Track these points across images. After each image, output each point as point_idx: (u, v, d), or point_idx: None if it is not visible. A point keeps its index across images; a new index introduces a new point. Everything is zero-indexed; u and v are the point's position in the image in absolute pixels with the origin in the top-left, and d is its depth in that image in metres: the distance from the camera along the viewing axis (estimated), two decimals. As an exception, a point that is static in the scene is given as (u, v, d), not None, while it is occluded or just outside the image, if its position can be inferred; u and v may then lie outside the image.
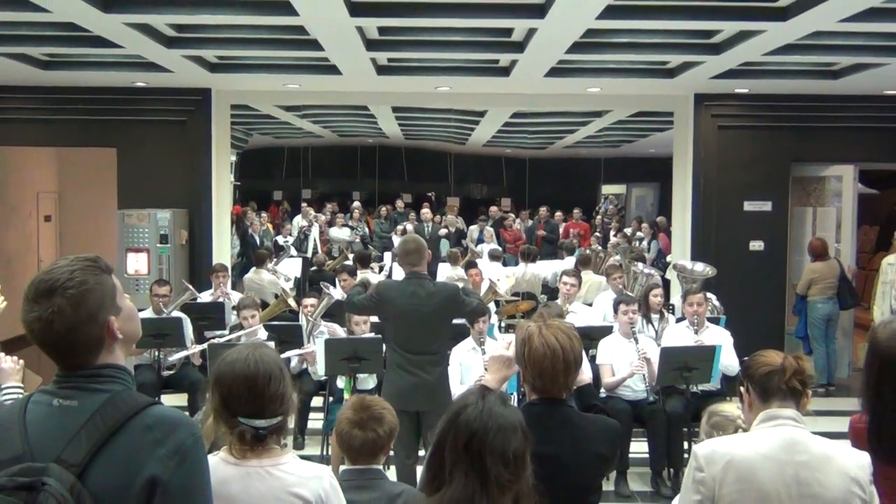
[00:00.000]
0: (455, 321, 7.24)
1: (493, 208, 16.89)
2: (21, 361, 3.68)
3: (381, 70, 9.02)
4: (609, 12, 6.46)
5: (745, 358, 2.83)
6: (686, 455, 6.49)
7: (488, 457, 2.08)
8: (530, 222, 17.55)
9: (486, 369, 3.94)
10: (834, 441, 2.64)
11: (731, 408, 3.52)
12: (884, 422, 2.20)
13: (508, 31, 7.69)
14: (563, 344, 2.82)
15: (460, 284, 6.97)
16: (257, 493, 2.37)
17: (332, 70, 8.97)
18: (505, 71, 9.02)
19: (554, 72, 8.90)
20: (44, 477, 1.82)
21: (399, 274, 13.01)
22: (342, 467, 3.00)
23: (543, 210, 17.60)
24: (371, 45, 7.85)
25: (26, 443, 1.91)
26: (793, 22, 6.57)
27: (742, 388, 2.79)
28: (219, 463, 2.40)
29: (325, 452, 7.11)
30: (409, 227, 16.39)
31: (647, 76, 9.31)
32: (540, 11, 6.53)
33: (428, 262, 6.16)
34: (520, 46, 7.84)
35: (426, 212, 16.42)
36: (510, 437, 2.13)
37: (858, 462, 2.54)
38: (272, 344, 6.94)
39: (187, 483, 1.90)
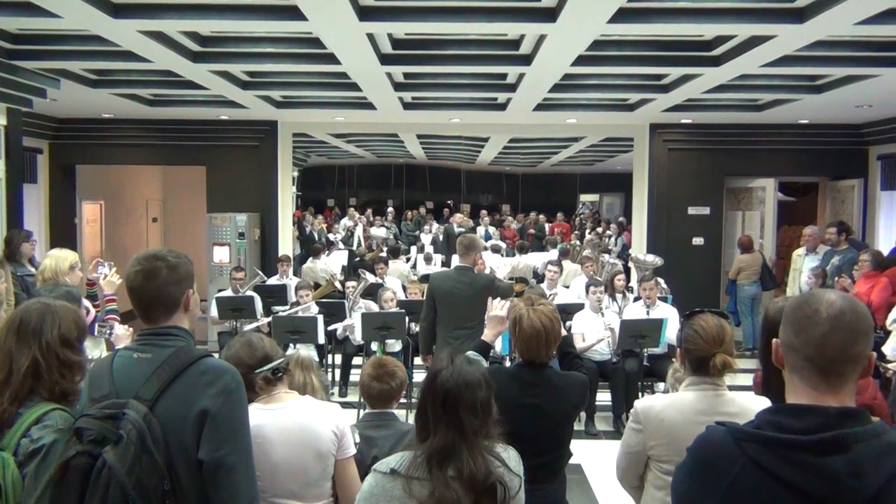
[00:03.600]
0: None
1: (458, 215, 16.61)
2: (131, 329, 3.70)
3: (407, 106, 9.00)
4: (581, 61, 6.42)
5: (689, 318, 2.63)
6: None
7: (461, 410, 2.07)
8: (529, 218, 17.51)
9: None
10: (748, 396, 2.61)
11: None
12: (770, 376, 2.21)
13: (503, 76, 7.66)
14: (546, 326, 2.82)
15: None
16: (283, 426, 2.43)
17: (369, 106, 8.97)
18: (502, 106, 8.98)
19: (540, 107, 8.86)
20: (124, 409, 1.88)
21: (421, 264, 13.07)
22: (364, 411, 3.02)
23: (533, 214, 17.56)
24: (398, 87, 7.84)
25: (112, 384, 1.98)
26: (724, 67, 6.51)
27: (679, 349, 2.68)
28: (255, 410, 2.44)
29: (361, 399, 7.13)
30: (436, 226, 16.37)
31: (612, 110, 9.24)
32: (527, 60, 6.50)
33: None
34: (513, 87, 7.80)
35: (458, 216, 16.32)
36: (476, 390, 2.11)
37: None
38: (320, 317, 6.99)
39: (230, 414, 1.95)
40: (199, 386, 1.94)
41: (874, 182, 10.01)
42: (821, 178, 11.25)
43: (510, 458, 2.15)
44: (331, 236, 15.43)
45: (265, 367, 2.43)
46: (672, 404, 2.56)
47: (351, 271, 11.95)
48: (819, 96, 7.79)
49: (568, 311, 7.05)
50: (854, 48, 6.18)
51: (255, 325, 7.78)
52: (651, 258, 9.05)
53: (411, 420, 2.28)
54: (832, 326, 1.44)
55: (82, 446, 1.85)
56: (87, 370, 2.16)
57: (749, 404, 2.47)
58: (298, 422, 2.43)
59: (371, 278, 8.45)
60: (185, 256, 2.13)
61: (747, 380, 5.00)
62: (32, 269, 6.44)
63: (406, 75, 7.67)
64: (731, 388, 2.68)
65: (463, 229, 15.15)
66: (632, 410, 2.62)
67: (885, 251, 7.99)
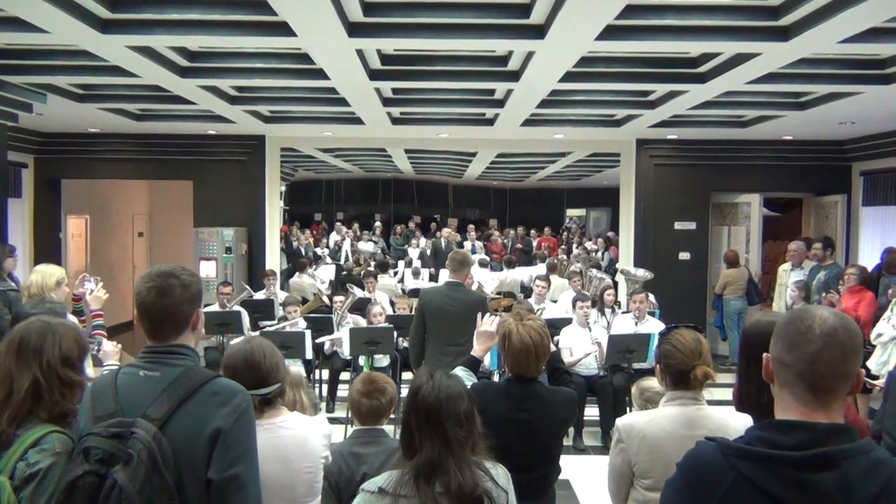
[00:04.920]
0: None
1: (445, 229, 16.75)
2: (119, 345, 3.67)
3: (395, 121, 9.02)
4: (568, 77, 6.47)
5: (664, 335, 2.65)
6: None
7: (446, 423, 2.09)
8: (511, 234, 17.54)
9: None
10: (728, 410, 2.56)
11: (656, 383, 3.41)
12: (744, 389, 2.27)
13: (492, 91, 7.70)
14: (535, 340, 2.82)
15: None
16: (269, 442, 2.39)
17: (358, 121, 8.97)
18: (490, 122, 9.02)
19: (527, 122, 8.89)
20: (133, 428, 1.85)
21: (408, 278, 13.07)
22: (353, 427, 3.00)
23: (520, 229, 17.61)
24: (387, 102, 7.85)
25: (118, 402, 1.95)
26: (710, 84, 6.58)
27: (658, 365, 2.68)
28: None
29: (349, 415, 7.09)
30: (423, 241, 16.39)
31: (599, 126, 9.30)
32: (515, 77, 6.54)
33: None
34: (501, 103, 7.84)
35: (446, 230, 16.37)
36: (458, 402, 2.14)
37: (744, 423, 2.51)
38: (308, 332, 6.96)
39: (241, 433, 1.94)
40: (211, 406, 1.93)
41: (857, 198, 10.12)
42: (805, 194, 11.36)
43: (499, 474, 2.15)
44: (318, 251, 15.40)
45: (258, 392, 2.39)
46: (653, 420, 2.57)
47: (338, 286, 11.92)
48: (803, 113, 7.88)
49: (555, 325, 7.06)
50: (837, 66, 6.26)
51: (241, 339, 7.73)
52: (642, 272, 9.09)
53: (400, 435, 2.26)
54: (825, 343, 1.44)
55: (90, 465, 1.82)
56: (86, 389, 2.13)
57: (728, 419, 2.48)
58: (286, 439, 2.41)
59: (359, 293, 8.44)
60: (196, 275, 2.14)
61: (730, 394, 5.03)
62: (13, 284, 6.41)
63: (394, 90, 7.69)
64: (712, 402, 2.68)
65: (443, 242, 15.21)
66: (614, 428, 2.63)
67: (869, 266, 8.06)
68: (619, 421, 2.63)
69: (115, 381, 2.00)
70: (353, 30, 5.17)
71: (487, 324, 3.24)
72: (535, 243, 17.17)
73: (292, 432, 2.42)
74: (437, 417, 2.09)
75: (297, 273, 11.21)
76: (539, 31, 5.19)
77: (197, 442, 1.88)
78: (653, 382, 3.38)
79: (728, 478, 1.44)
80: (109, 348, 3.56)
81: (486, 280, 11.25)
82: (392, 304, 9.28)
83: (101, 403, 1.97)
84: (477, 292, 5.67)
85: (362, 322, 7.61)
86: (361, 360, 7.08)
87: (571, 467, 5.62)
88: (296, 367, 5.34)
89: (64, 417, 2.09)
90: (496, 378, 6.48)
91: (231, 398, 1.95)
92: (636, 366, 6.90)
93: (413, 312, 6.04)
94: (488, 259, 14.35)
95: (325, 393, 7.81)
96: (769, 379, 1.56)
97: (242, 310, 8.01)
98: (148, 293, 2.01)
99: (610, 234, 16.37)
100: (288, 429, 2.43)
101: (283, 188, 15.35)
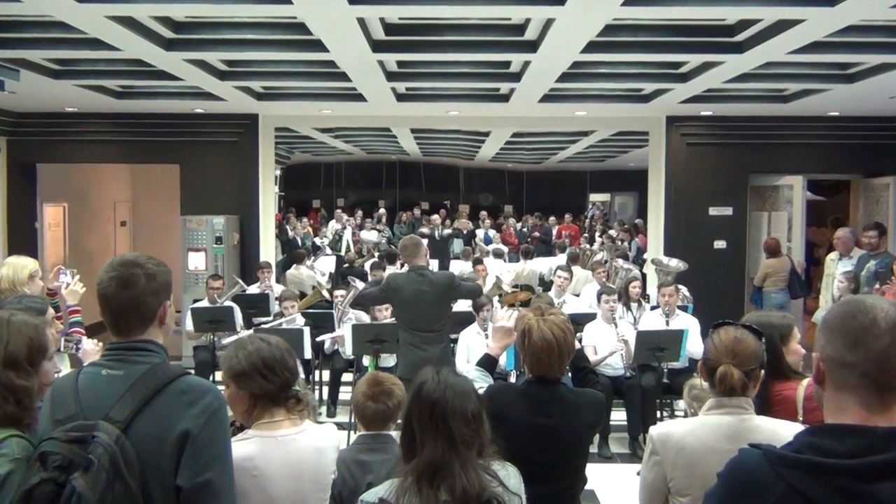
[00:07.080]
0: (461, 309, 7.28)
1: (435, 216, 17.01)
2: (100, 344, 3.67)
3: (401, 97, 9.00)
4: (591, 47, 6.42)
5: (713, 329, 2.58)
6: (660, 420, 6.47)
7: (451, 420, 2.09)
8: (529, 221, 17.54)
9: (487, 346, 3.93)
10: (779, 421, 2.50)
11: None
12: None
13: (507, 64, 7.67)
14: (558, 337, 2.78)
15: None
16: (284, 457, 2.36)
17: (359, 98, 8.96)
18: (505, 97, 8.98)
19: (546, 98, 8.86)
20: (94, 431, 1.86)
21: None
22: (358, 433, 2.99)
23: (536, 216, 17.60)
24: (391, 76, 7.83)
25: (79, 405, 1.95)
26: (748, 54, 6.52)
27: (700, 363, 2.62)
28: (254, 438, 2.36)
29: (352, 420, 7.10)
30: (426, 230, 16.41)
31: (625, 101, 9.25)
32: (532, 47, 6.50)
33: (428, 258, 6.29)
34: (517, 77, 7.80)
35: (435, 217, 16.46)
36: (466, 400, 2.14)
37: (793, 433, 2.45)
38: (306, 329, 6.96)
39: (212, 436, 1.94)
40: (178, 406, 1.93)
41: (912, 180, 10.03)
42: (852, 176, 11.27)
43: (509, 475, 2.15)
44: (317, 241, 15.41)
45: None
46: (693, 430, 2.49)
47: (339, 279, 11.93)
48: (851, 86, 7.80)
49: (578, 321, 7.03)
50: (889, 34, 6.18)
51: (234, 337, 7.75)
52: (675, 263, 9.02)
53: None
54: (894, 338, 1.41)
55: (47, 473, 1.82)
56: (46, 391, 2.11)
57: (779, 429, 2.39)
58: (302, 454, 2.38)
59: (361, 286, 8.42)
60: (164, 264, 2.13)
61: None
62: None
63: (400, 64, 7.67)
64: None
65: (438, 229, 15.30)
66: (648, 438, 2.58)
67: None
68: (654, 430, 2.56)
69: (76, 381, 2.01)
70: (355, -4, 5.15)
71: (505, 319, 3.21)
72: (554, 231, 17.12)
73: (308, 445, 2.39)
74: (441, 414, 2.09)
75: (294, 265, 11.22)
76: (559, -4, 5.16)
77: (163, 445, 1.89)
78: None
79: (776, 490, 1.41)
80: (90, 347, 3.57)
81: (501, 272, 11.22)
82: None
83: (60, 406, 1.98)
84: (444, 272, 6.10)
85: (366, 318, 7.61)
86: (365, 360, 7.09)
87: (597, 476, 5.60)
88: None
89: (15, 422, 2.05)
90: (513, 379, 6.49)
91: (200, 397, 1.95)
92: (669, 365, 6.88)
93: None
94: (504, 249, 14.33)
95: (325, 396, 7.83)
96: (819, 382, 1.52)
97: (234, 305, 8.04)
98: (109, 283, 2.01)
99: (637, 220, 16.30)
100: (303, 442, 2.39)
101: (278, 172, 15.33)
